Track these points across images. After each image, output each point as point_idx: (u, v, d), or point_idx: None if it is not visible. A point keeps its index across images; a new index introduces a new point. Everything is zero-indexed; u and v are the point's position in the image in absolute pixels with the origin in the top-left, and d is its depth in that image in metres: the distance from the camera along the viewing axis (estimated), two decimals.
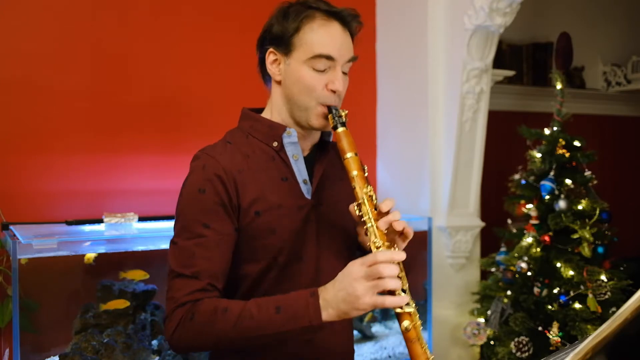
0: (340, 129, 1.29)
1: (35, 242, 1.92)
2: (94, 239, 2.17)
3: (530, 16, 3.57)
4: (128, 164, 2.55)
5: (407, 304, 1.16)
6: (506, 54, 3.57)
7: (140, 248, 2.21)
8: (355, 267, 1.15)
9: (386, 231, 1.23)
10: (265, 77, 1.41)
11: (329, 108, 1.32)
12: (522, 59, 3.66)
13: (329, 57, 1.30)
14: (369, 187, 1.26)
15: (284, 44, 1.33)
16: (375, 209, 1.24)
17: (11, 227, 2.18)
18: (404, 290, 1.16)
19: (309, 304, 1.16)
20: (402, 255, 1.17)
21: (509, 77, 3.17)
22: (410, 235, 1.28)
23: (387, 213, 1.25)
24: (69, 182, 2.43)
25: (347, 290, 1.14)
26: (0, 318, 2.11)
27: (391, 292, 1.15)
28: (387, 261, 1.14)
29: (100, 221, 2.30)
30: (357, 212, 1.26)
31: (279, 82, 1.37)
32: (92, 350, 2.07)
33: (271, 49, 1.35)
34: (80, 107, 2.46)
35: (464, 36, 2.65)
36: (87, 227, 2.28)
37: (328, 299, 1.16)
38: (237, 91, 2.74)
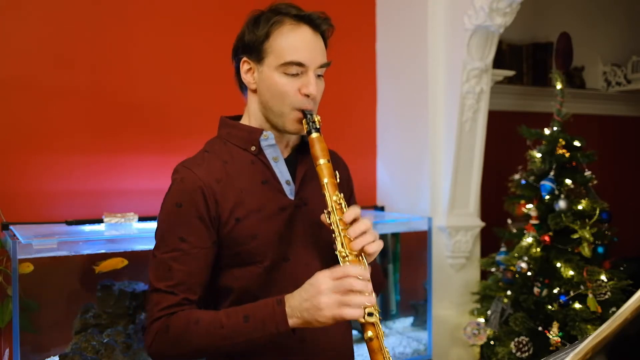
0: (314, 135, 1.29)
1: (35, 242, 1.92)
2: (94, 239, 2.17)
3: (530, 16, 3.57)
4: (128, 164, 2.55)
5: (370, 315, 1.16)
6: (506, 54, 3.57)
7: (140, 248, 2.21)
8: (322, 279, 1.16)
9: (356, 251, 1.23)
10: (242, 86, 1.42)
11: (304, 113, 1.31)
12: (522, 59, 3.66)
13: (299, 64, 1.30)
14: (339, 194, 1.25)
15: (256, 52, 1.33)
16: None
17: (11, 227, 2.18)
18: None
19: (276, 312, 1.19)
20: (367, 273, 1.18)
21: (509, 77, 3.16)
22: (372, 253, 1.25)
23: (353, 222, 1.24)
24: (69, 182, 2.43)
25: (312, 301, 1.15)
26: (0, 318, 2.11)
27: None
28: (357, 275, 1.15)
29: (100, 221, 2.30)
30: (327, 220, 1.26)
31: (254, 91, 1.37)
32: (92, 350, 2.07)
33: (245, 58, 1.36)
34: (80, 107, 2.46)
35: (464, 36, 2.65)
36: (87, 227, 2.28)
37: (293, 307, 1.18)
38: (238, 92, 2.74)
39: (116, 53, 2.53)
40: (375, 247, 1.24)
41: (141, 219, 2.34)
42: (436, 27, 2.81)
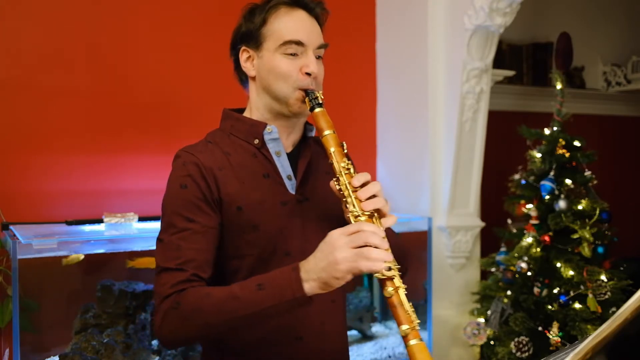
0: (318, 110, 1.29)
1: (35, 242, 1.92)
2: (94, 239, 2.17)
3: (530, 16, 3.57)
4: (128, 164, 2.55)
5: (389, 269, 1.12)
6: (506, 54, 3.57)
7: (140, 248, 2.21)
8: (336, 235, 1.14)
9: (368, 211, 1.21)
10: (242, 78, 1.44)
11: (306, 92, 1.32)
12: (522, 59, 3.66)
13: (298, 43, 1.33)
14: (347, 161, 1.25)
15: (254, 39, 1.36)
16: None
17: (11, 227, 2.18)
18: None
19: (291, 277, 1.16)
20: (382, 231, 1.15)
21: (509, 77, 3.17)
22: (386, 212, 1.23)
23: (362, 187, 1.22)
24: (69, 182, 2.43)
25: (328, 258, 1.13)
26: (0, 318, 2.11)
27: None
28: (372, 231, 1.13)
29: (100, 221, 2.30)
30: (336, 186, 1.25)
31: (253, 78, 1.40)
32: (92, 350, 2.07)
33: (243, 47, 1.38)
34: (80, 107, 2.46)
35: (464, 36, 2.65)
36: (87, 227, 2.28)
37: (309, 270, 1.15)
38: (238, 91, 2.74)
39: (116, 53, 2.53)
40: (388, 208, 1.23)
41: (141, 219, 2.34)
42: (436, 27, 2.81)
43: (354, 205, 1.20)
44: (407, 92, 2.98)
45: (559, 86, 2.70)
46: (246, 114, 1.44)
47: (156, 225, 2.34)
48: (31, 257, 1.94)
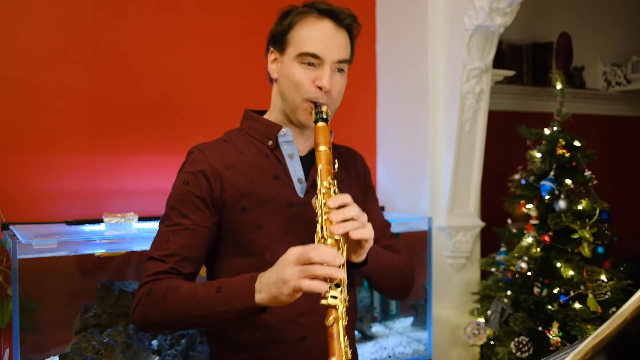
0: (320, 124, 1.29)
1: (35, 242, 1.92)
2: (94, 239, 2.17)
3: (530, 16, 3.57)
4: (128, 164, 2.55)
5: (334, 297, 1.08)
6: (506, 54, 3.57)
7: (140, 248, 2.21)
8: (291, 252, 1.12)
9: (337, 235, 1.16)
10: (270, 79, 1.46)
11: (315, 104, 1.33)
12: (522, 59, 3.66)
13: (314, 56, 1.33)
14: (332, 181, 1.22)
15: (280, 42, 1.38)
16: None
17: (11, 227, 2.18)
18: (337, 285, 1.09)
19: (245, 285, 1.17)
20: (342, 259, 1.11)
21: (509, 77, 3.16)
22: (360, 239, 1.19)
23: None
24: (69, 182, 2.43)
25: (278, 274, 1.12)
26: (0, 318, 2.11)
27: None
28: (328, 254, 1.10)
29: (100, 221, 2.30)
30: (315, 204, 1.24)
31: (276, 80, 1.42)
32: (92, 350, 2.07)
33: (272, 49, 1.41)
34: (80, 107, 2.46)
35: (464, 36, 2.65)
36: (87, 227, 2.28)
37: (262, 282, 1.15)
38: (239, 91, 2.74)
39: (116, 52, 2.53)
40: (364, 233, 1.18)
41: (141, 219, 2.34)
42: (436, 27, 2.81)
43: (322, 228, 1.17)
44: (407, 92, 2.98)
45: (559, 86, 2.69)
46: (267, 115, 1.46)
47: (156, 225, 2.34)
48: (31, 257, 1.94)
